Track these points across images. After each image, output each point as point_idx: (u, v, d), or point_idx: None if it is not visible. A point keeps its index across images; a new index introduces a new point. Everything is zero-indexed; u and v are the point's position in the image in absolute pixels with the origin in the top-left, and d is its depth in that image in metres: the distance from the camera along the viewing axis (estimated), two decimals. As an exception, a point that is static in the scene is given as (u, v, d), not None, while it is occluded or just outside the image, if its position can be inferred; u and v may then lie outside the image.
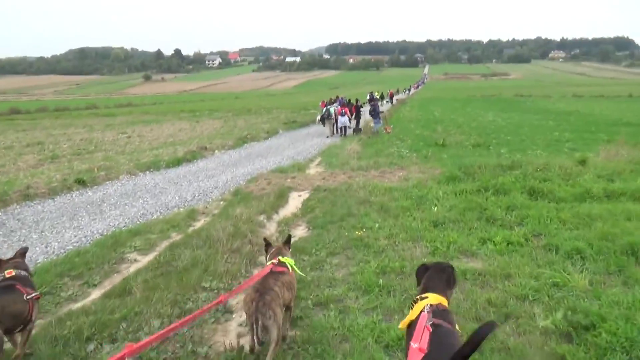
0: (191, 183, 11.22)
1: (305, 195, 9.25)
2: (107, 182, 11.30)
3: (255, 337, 3.11)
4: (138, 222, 7.88)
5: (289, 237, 4.15)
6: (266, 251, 3.96)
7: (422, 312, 2.39)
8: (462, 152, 16.53)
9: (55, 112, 46.33)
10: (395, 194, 8.15)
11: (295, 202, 8.81)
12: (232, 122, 30.40)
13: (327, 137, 23.55)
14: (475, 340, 1.88)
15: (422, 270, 2.94)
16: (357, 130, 23.65)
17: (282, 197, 8.82)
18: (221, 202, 9.01)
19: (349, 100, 32.51)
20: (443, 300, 2.57)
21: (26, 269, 3.61)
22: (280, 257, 3.63)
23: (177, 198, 9.57)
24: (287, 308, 3.58)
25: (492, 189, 7.58)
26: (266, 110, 41.98)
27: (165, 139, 21.11)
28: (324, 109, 24.91)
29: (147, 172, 12.78)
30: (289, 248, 4.03)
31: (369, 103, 24.50)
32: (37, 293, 3.46)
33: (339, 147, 17.84)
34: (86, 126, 28.46)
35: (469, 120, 30.35)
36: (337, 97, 34.07)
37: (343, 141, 20.56)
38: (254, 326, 3.09)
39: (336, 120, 24.54)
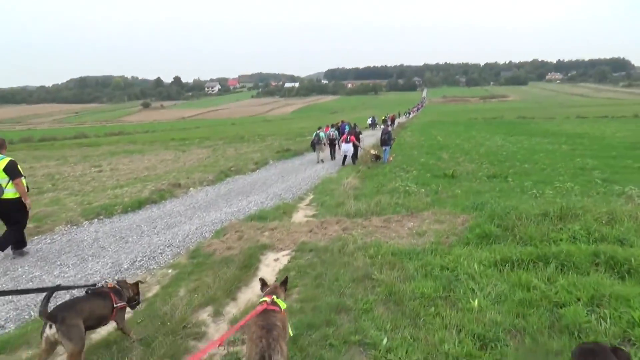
0: (142, 237, 8.76)
1: (284, 259, 6.81)
2: (36, 237, 8.80)
3: None
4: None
5: (286, 278, 4.01)
6: (262, 290, 3.85)
7: None
8: (477, 185, 14.17)
9: (40, 142, 44.19)
10: (409, 264, 5.68)
11: (268, 271, 6.35)
12: (221, 151, 28.14)
13: (317, 162, 21.76)
14: None
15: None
16: (354, 158, 21.32)
17: (249, 268, 6.32)
18: (169, 272, 6.56)
19: (355, 125, 30.33)
20: None
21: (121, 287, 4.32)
22: (274, 297, 3.52)
23: (109, 264, 7.03)
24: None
25: (554, 260, 5.12)
26: (260, 137, 39.80)
27: (140, 172, 18.76)
28: (314, 134, 22.72)
29: (95, 220, 10.33)
30: (285, 290, 3.92)
31: (383, 127, 22.28)
32: (123, 303, 4.16)
33: (335, 180, 15.47)
34: (61, 158, 26.12)
35: (476, 146, 28.11)
36: (342, 121, 31.90)
37: (340, 172, 18.21)
38: None
39: (332, 147, 22.46)
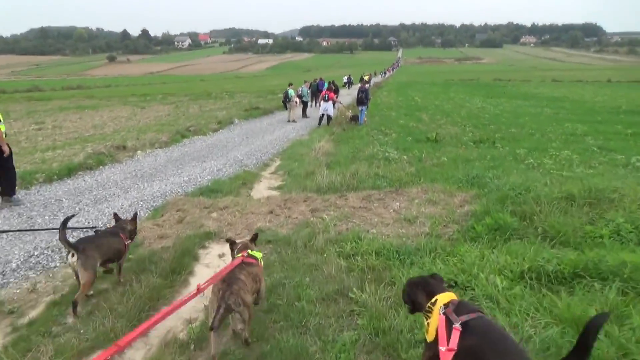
0: (56, 217, 6.87)
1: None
2: None
3: (214, 320, 3.02)
4: None
5: (256, 234, 4.06)
6: (232, 249, 3.88)
7: (439, 315, 2.30)
8: (464, 152, 12.66)
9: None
10: (401, 272, 4.07)
11: (206, 274, 4.64)
12: (183, 108, 25.79)
13: (288, 121, 20.26)
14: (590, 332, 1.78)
15: (410, 290, 2.77)
16: (328, 118, 19.44)
17: (179, 272, 4.61)
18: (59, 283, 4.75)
19: (333, 82, 28.17)
20: (452, 295, 2.48)
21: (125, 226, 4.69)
22: (249, 251, 3.67)
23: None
24: (257, 295, 3.63)
25: (612, 276, 3.57)
26: (229, 94, 37.30)
27: (85, 131, 16.53)
28: (285, 92, 20.75)
29: (5, 192, 8.36)
30: (255, 244, 3.94)
31: (360, 85, 20.38)
32: (129, 241, 4.60)
33: (306, 144, 13.70)
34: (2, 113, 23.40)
35: (456, 107, 26.60)
36: (320, 78, 29.73)
37: (312, 134, 16.43)
38: (218, 311, 3.04)
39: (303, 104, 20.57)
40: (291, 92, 20.42)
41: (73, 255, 3.82)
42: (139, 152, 12.31)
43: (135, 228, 4.82)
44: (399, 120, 19.99)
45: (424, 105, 27.73)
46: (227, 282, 3.16)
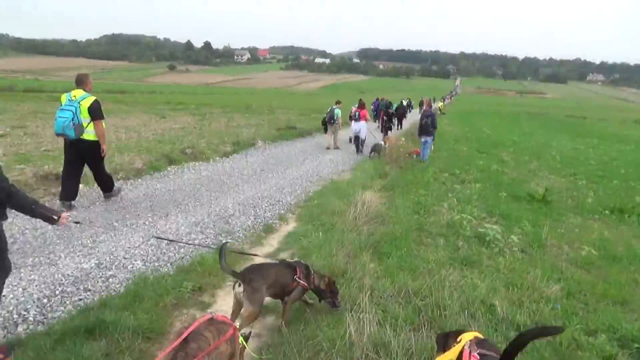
0: None
1: None
2: None
3: None
4: None
5: (250, 333, 3.21)
6: None
7: (464, 348, 2.32)
8: (609, 232, 7.56)
9: (23, 92, 38.44)
10: None
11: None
12: (208, 121, 21.71)
13: (327, 148, 15.88)
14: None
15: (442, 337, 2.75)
16: (375, 150, 14.53)
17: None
18: None
19: (389, 102, 23.31)
20: (477, 334, 2.48)
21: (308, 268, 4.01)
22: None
23: None
24: None
25: None
26: (270, 109, 33.27)
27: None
28: (329, 110, 16.05)
29: None
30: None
31: (425, 108, 15.45)
32: (303, 283, 3.84)
33: (344, 191, 8.91)
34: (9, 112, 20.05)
35: (542, 147, 21.12)
36: (376, 99, 25.05)
37: (355, 171, 11.67)
38: None
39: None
40: (338, 111, 15.73)
41: (240, 286, 3.42)
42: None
43: (332, 292, 3.93)
44: (474, 159, 14.93)
45: (499, 140, 22.43)
46: (185, 338, 2.22)
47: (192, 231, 6.03)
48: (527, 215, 7.99)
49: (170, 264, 4.95)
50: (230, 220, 6.71)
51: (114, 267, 4.72)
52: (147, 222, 6.24)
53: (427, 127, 13.57)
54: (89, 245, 5.26)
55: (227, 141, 14.29)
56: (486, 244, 6.14)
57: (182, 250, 5.35)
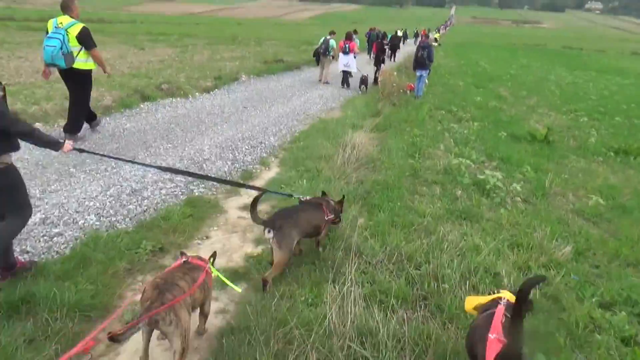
0: None
1: None
2: None
3: (124, 333, 2.00)
4: None
5: (215, 254, 3.01)
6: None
7: (500, 304, 2.22)
8: (612, 175, 7.09)
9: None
10: None
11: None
12: (191, 53, 20.38)
13: (320, 81, 14.99)
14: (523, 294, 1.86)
15: None
16: (364, 83, 13.93)
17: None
18: None
19: (384, 34, 21.87)
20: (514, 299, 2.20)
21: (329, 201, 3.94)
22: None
23: None
24: (201, 309, 2.73)
25: None
26: (257, 40, 31.57)
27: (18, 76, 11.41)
28: (321, 40, 14.99)
29: None
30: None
31: (421, 40, 14.34)
32: (332, 217, 3.82)
33: (332, 131, 8.23)
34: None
35: (540, 81, 20.26)
36: (370, 29, 23.42)
37: (346, 108, 10.93)
38: (135, 324, 2.08)
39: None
40: (333, 42, 14.67)
41: (269, 232, 3.30)
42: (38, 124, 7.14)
43: (342, 212, 4.05)
44: (471, 94, 14.17)
45: (497, 74, 21.47)
46: (160, 288, 2.24)
47: (159, 179, 5.37)
48: (529, 158, 7.43)
49: (130, 219, 4.33)
50: (204, 165, 6.05)
51: (61, 223, 4.09)
52: (109, 168, 5.56)
53: (423, 60, 12.61)
54: (37, 195, 4.59)
55: (209, 75, 13.28)
56: (486, 192, 5.61)
57: (145, 201, 4.73)
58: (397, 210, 4.74)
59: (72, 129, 6.59)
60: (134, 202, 4.69)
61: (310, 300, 3.07)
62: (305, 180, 5.51)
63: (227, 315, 3.04)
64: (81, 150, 3.53)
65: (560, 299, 3.31)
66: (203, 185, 5.35)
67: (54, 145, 3.12)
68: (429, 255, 3.65)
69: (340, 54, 14.27)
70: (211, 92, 11.59)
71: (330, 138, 7.64)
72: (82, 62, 6.31)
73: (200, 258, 2.74)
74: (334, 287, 3.15)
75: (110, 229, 4.05)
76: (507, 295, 2.30)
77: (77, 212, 4.32)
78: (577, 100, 14.71)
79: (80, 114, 6.71)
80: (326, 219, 3.76)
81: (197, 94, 11.10)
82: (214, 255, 2.96)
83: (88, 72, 6.50)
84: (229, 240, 4.16)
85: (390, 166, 6.24)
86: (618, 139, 9.40)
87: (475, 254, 3.72)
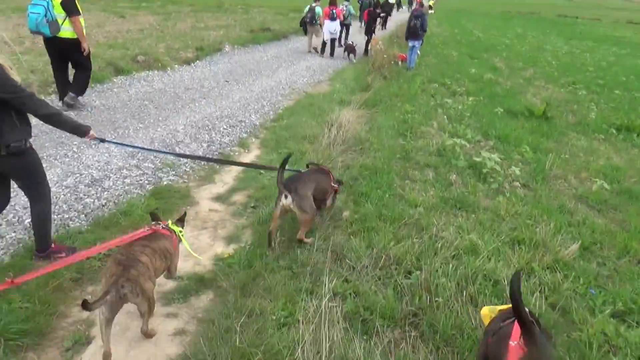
0: None
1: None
2: None
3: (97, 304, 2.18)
4: None
5: (185, 214, 3.24)
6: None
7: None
8: (615, 155, 6.68)
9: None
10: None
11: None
12: (173, 21, 19.44)
13: (309, 51, 14.58)
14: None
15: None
16: (349, 51, 13.52)
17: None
18: None
19: (377, 0, 20.80)
20: None
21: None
22: (169, 222, 2.94)
23: None
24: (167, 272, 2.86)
25: None
26: (244, 7, 30.46)
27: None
28: (307, 9, 14.32)
29: None
30: (182, 225, 3.09)
31: (415, 7, 13.66)
32: (337, 186, 4.00)
33: (319, 107, 7.72)
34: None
35: (536, 51, 19.65)
36: None
37: (334, 82, 10.36)
38: (103, 297, 2.21)
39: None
40: (319, 10, 13.97)
41: (286, 197, 3.43)
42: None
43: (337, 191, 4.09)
44: (465, 66, 13.60)
45: (491, 44, 20.81)
46: (123, 264, 2.38)
47: (125, 165, 4.87)
48: (527, 136, 6.98)
49: (85, 215, 3.85)
50: (177, 148, 5.54)
51: (4, 223, 3.61)
52: (69, 154, 5.03)
53: (415, 29, 11.97)
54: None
55: (190, 45, 12.57)
56: (483, 177, 5.17)
57: (105, 193, 4.24)
58: (386, 200, 4.30)
59: (78, 90, 6.63)
60: (92, 194, 4.19)
61: (282, 319, 2.63)
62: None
63: (185, 338, 2.61)
64: (102, 140, 3.36)
65: (569, 310, 2.91)
66: (174, 172, 4.86)
67: (79, 129, 3.08)
68: (420, 259, 3.22)
69: (326, 21, 13.59)
70: (192, 64, 10.94)
71: (316, 116, 7.13)
72: (69, 30, 6.11)
73: (165, 227, 2.83)
74: (312, 301, 2.71)
75: (61, 229, 3.57)
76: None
77: (24, 208, 3.80)
78: (575, 72, 14.18)
79: (85, 76, 6.68)
80: (332, 185, 3.94)
81: (176, 66, 10.46)
82: (183, 218, 3.10)
83: (75, 41, 6.23)
84: (198, 239, 3.71)
85: (379, 148, 5.77)
86: (619, 114, 8.95)
87: (472, 256, 3.30)
